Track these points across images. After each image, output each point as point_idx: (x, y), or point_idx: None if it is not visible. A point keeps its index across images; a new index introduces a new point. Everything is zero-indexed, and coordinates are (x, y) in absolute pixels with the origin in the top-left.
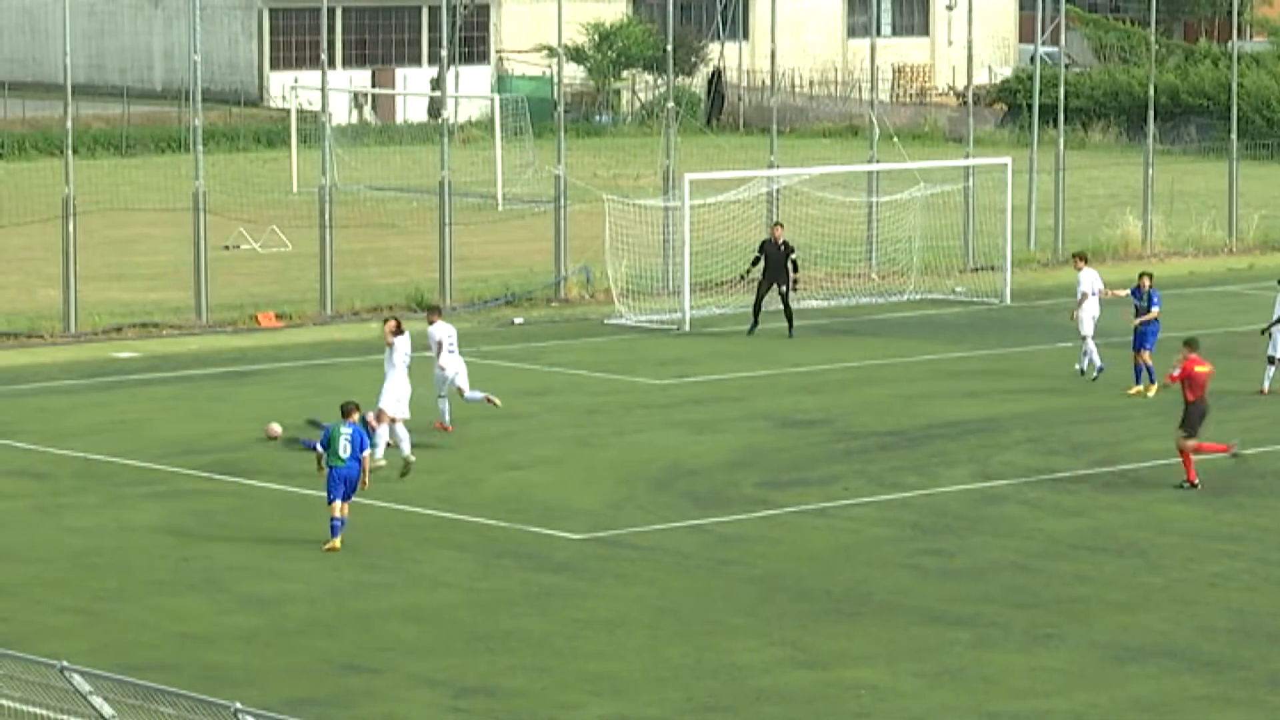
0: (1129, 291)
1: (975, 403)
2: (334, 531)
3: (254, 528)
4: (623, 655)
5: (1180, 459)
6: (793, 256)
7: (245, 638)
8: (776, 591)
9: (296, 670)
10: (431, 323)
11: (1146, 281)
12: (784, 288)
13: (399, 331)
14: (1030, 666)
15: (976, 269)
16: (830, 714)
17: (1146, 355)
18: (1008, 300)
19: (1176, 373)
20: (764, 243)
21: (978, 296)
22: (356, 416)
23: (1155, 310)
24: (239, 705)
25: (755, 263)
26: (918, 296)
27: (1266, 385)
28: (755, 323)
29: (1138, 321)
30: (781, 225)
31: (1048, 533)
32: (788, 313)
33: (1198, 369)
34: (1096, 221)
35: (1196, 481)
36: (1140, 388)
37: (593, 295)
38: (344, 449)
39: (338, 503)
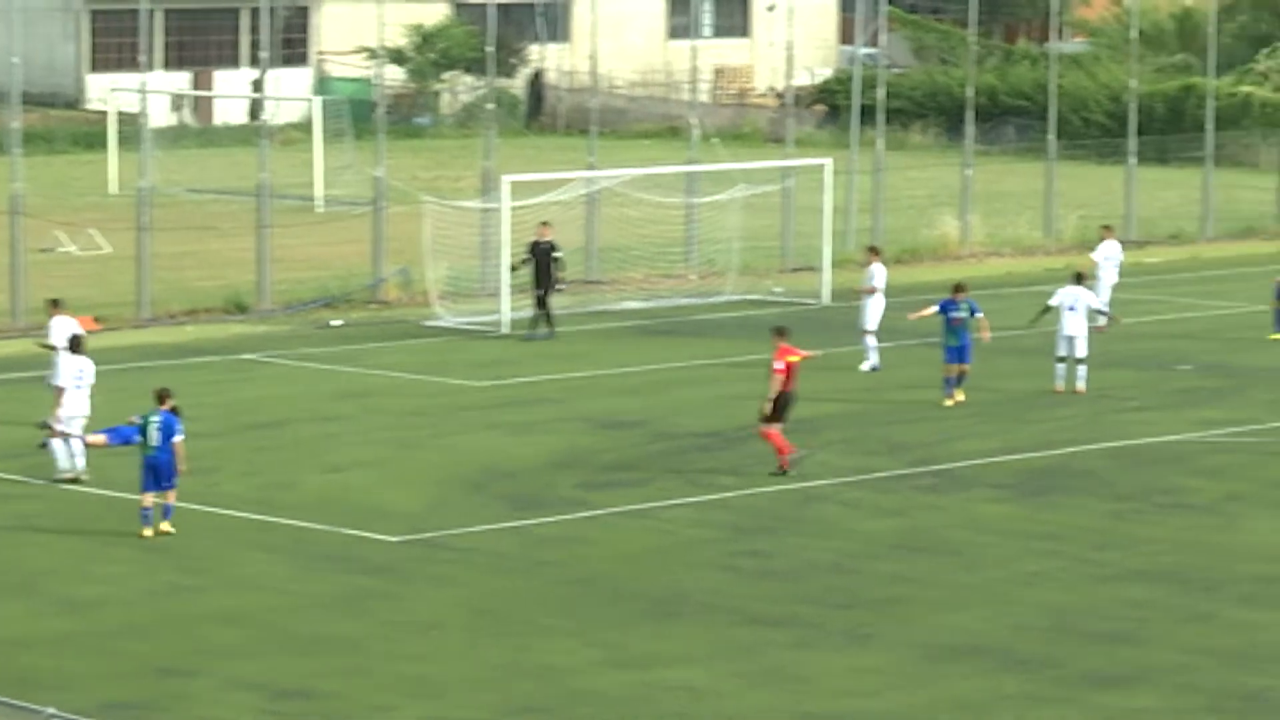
0: (937, 308)
1: None
2: (143, 520)
3: (68, 531)
4: (439, 657)
5: (776, 447)
6: (556, 255)
7: (60, 641)
8: (593, 592)
9: (112, 674)
10: (51, 315)
11: (961, 294)
12: (541, 290)
13: (74, 350)
14: (847, 666)
15: (795, 269)
16: (647, 715)
17: (968, 368)
18: (826, 301)
19: (781, 366)
20: (532, 243)
21: (797, 297)
22: (170, 404)
23: (981, 317)
24: (53, 710)
25: (524, 263)
26: (737, 297)
27: (1080, 384)
28: (551, 326)
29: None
30: (548, 224)
31: (865, 533)
32: (546, 314)
33: (790, 358)
34: (915, 222)
35: (789, 468)
36: (952, 398)
37: (411, 297)
38: (154, 437)
39: (149, 494)
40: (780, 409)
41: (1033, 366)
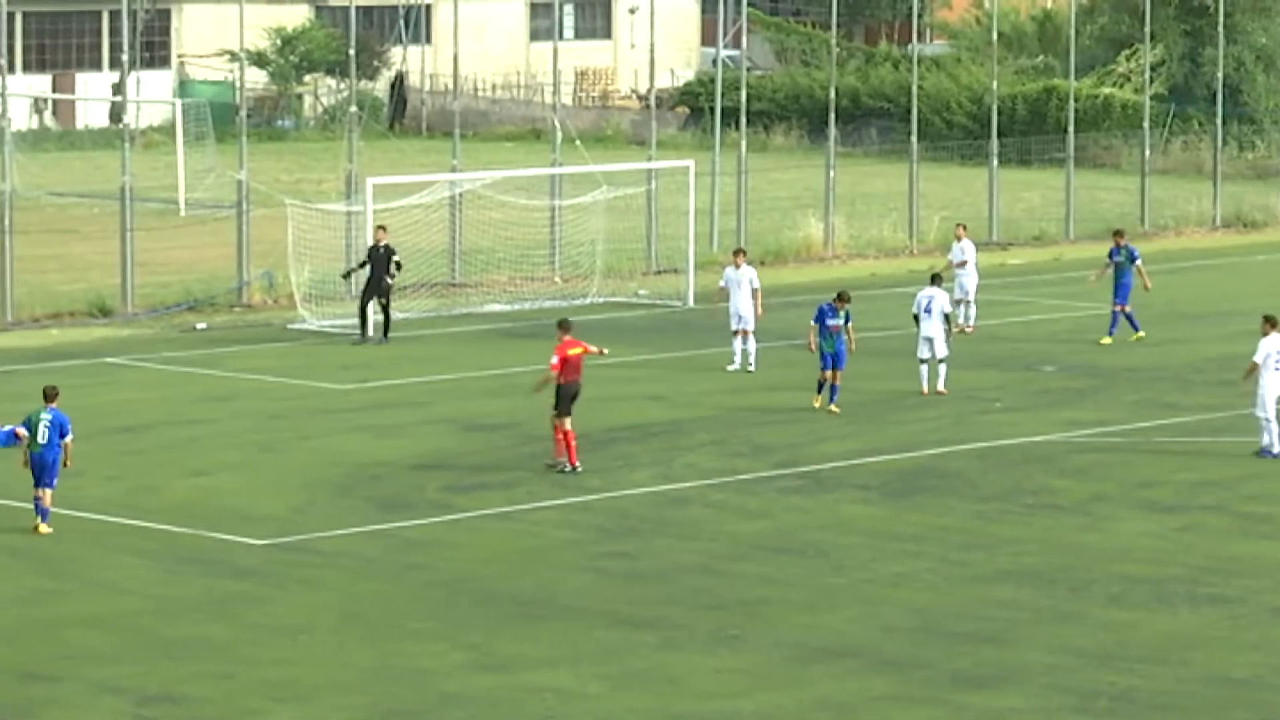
0: (816, 323)
1: (659, 406)
2: (38, 512)
3: None
4: (307, 661)
5: (555, 441)
6: (395, 259)
7: None
8: (461, 595)
9: None
10: None
11: (843, 303)
12: (384, 299)
13: None
14: (715, 668)
15: (660, 272)
16: (515, 717)
17: (840, 375)
18: (691, 303)
19: (555, 360)
20: (370, 247)
21: (661, 299)
22: (58, 401)
23: (850, 326)
24: None
25: (362, 265)
26: (601, 300)
27: (941, 385)
28: (364, 331)
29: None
30: (384, 229)
31: (731, 534)
32: (386, 319)
33: (571, 352)
34: (779, 224)
35: (578, 465)
36: (822, 401)
37: (276, 300)
38: (42, 434)
39: (43, 490)
40: (566, 402)
41: (898, 368)
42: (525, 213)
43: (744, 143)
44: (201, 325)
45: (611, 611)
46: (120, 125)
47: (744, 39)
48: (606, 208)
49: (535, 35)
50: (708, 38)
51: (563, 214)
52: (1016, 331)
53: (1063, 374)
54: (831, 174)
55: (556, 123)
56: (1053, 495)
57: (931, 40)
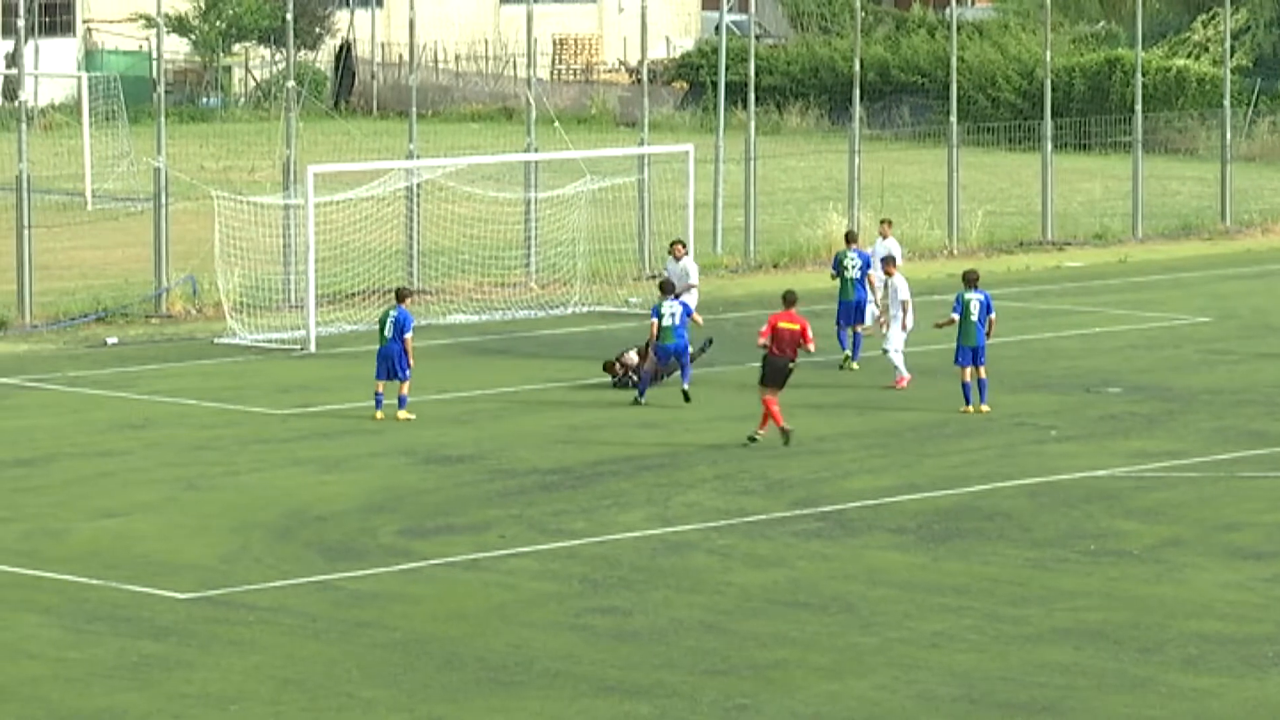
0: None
1: (654, 434)
2: None
3: None
4: None
5: (764, 410)
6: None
7: None
8: (420, 658)
9: None
10: None
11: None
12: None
13: None
14: None
15: (653, 276)
16: None
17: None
18: None
19: (764, 329)
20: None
21: None
22: None
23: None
24: None
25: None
26: (584, 309)
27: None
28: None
29: None
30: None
31: (740, 586)
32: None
33: (781, 325)
34: (795, 220)
35: (786, 428)
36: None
37: (200, 310)
38: None
39: None
40: (770, 376)
41: (936, 390)
42: (495, 207)
43: (753, 124)
44: (112, 339)
45: (599, 677)
46: (15, 103)
47: (753, 2)
48: (591, 200)
49: None
50: (710, 0)
51: (539, 208)
52: (1075, 347)
53: (1129, 397)
54: (856, 161)
55: (532, 100)
56: (1119, 540)
57: (974, 3)
